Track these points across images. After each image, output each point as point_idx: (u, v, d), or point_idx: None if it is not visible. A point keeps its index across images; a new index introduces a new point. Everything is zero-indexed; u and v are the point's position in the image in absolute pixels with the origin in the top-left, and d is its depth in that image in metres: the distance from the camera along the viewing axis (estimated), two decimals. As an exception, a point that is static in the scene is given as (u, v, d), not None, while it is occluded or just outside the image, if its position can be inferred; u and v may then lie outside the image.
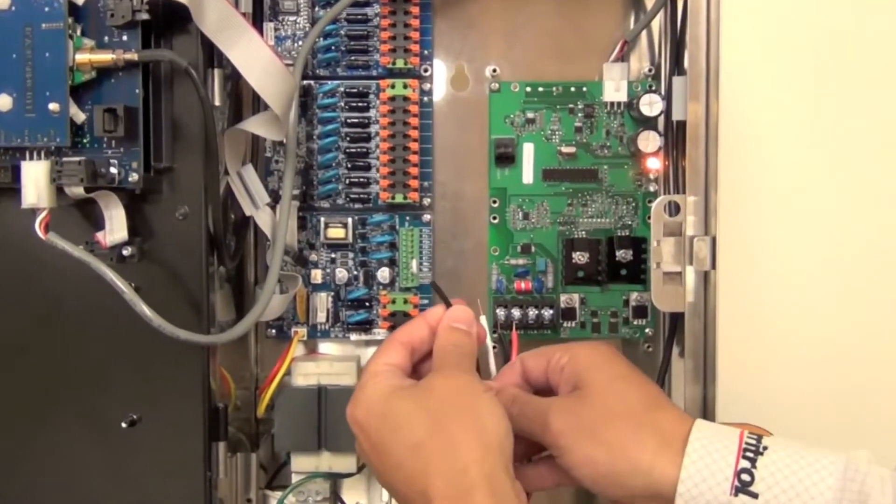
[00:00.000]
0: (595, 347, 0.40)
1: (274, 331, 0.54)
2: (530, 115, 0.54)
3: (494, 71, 0.54)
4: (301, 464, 0.51)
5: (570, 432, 0.36)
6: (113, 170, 0.42)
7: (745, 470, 0.33)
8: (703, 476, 0.34)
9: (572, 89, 0.54)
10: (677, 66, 0.49)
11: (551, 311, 0.53)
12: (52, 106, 0.41)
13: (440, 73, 0.54)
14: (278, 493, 0.53)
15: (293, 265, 0.54)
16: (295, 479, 0.52)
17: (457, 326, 0.41)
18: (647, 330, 0.54)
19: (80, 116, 0.42)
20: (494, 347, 0.52)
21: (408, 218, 0.54)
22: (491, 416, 0.35)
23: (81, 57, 0.41)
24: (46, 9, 0.40)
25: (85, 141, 0.43)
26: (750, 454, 0.34)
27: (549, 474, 0.40)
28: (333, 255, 0.54)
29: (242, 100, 0.51)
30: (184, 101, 0.44)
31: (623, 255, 0.53)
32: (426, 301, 0.54)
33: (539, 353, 0.41)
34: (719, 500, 0.34)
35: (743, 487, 0.33)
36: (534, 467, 0.41)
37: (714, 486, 0.34)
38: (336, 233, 0.54)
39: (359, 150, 0.54)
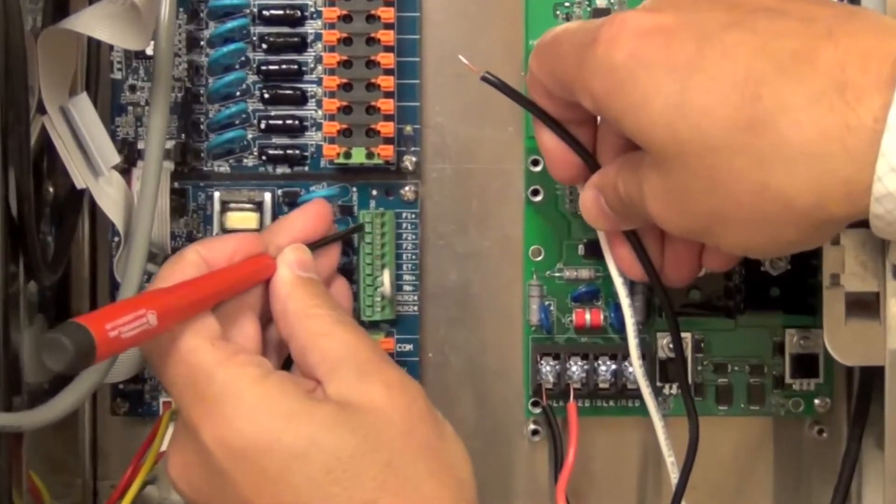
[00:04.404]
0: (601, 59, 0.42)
1: (127, 403, 0.55)
2: (602, 3, 0.55)
3: (534, -74, 0.56)
4: None
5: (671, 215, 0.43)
6: None
7: None
8: None
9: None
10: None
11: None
12: None
13: (435, -68, 0.56)
14: None
15: (164, 280, 0.55)
16: None
17: (310, 277, 0.47)
18: (816, 400, 0.55)
19: None
20: (536, 432, 0.56)
21: (375, 192, 0.55)
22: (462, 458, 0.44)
23: None
24: None
25: None
26: None
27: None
28: (238, 262, 0.55)
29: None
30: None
31: (772, 262, 0.54)
32: (409, 347, 0.55)
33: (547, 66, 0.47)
34: None
35: None
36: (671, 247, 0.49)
37: None
38: (242, 219, 0.54)
39: (285, 67, 0.54)
